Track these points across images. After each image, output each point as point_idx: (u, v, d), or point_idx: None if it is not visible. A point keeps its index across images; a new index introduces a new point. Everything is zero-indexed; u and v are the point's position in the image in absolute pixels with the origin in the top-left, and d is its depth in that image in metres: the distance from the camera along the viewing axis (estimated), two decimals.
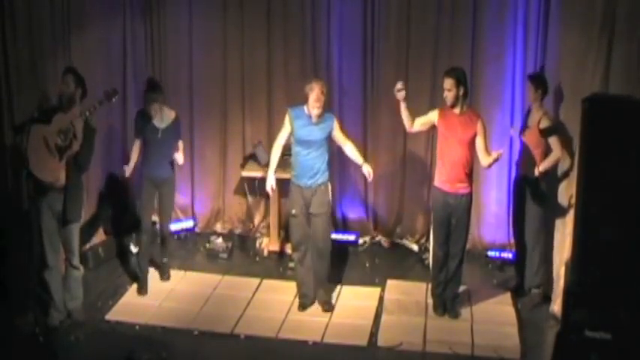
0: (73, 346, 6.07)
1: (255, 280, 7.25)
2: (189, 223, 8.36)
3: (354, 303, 6.86)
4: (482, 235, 7.87)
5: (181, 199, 8.36)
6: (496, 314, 6.63)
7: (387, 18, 7.73)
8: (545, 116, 6.48)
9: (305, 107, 6.38)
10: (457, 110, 6.25)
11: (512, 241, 7.46)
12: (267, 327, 6.41)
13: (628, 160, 4.92)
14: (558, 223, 6.41)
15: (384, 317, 6.58)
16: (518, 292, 6.89)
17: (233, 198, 8.43)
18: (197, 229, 8.41)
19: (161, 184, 6.83)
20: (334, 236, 7.62)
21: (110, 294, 6.93)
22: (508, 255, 7.52)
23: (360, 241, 8.07)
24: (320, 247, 6.54)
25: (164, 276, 7.21)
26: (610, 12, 5.74)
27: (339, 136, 6.57)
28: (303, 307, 6.68)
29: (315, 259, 6.58)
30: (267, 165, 7.81)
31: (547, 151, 6.47)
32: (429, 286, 6.74)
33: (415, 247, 7.96)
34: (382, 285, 7.14)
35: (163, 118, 6.75)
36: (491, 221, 7.84)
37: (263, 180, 7.85)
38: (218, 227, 8.42)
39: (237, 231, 8.38)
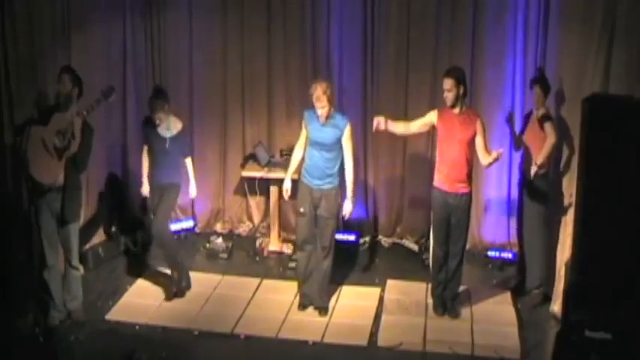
0: (73, 346, 6.07)
1: (255, 280, 7.25)
2: (189, 223, 8.36)
3: (354, 303, 6.86)
4: (482, 235, 7.88)
5: (181, 198, 8.34)
6: (496, 314, 6.63)
7: (387, 19, 7.73)
8: (544, 107, 6.48)
9: None
10: (456, 110, 6.25)
11: (512, 241, 7.47)
12: (267, 327, 6.41)
13: (628, 160, 4.92)
14: (563, 222, 6.41)
15: (384, 317, 6.58)
16: (518, 292, 6.89)
17: (233, 198, 8.43)
18: (197, 229, 8.41)
19: (164, 188, 6.76)
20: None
21: (110, 294, 6.93)
22: (508, 255, 7.52)
23: (360, 241, 8.08)
24: (324, 247, 6.54)
25: (180, 290, 6.95)
26: (610, 12, 5.74)
27: (345, 145, 6.39)
28: (303, 306, 6.68)
29: (319, 259, 6.57)
30: (267, 165, 7.85)
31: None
32: (429, 286, 6.74)
33: (415, 247, 7.96)
34: (382, 285, 7.14)
35: (169, 126, 6.67)
36: (491, 221, 7.85)
37: (263, 180, 7.90)
38: (218, 227, 8.42)
39: (237, 231, 8.38)
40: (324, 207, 6.44)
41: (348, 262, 7.62)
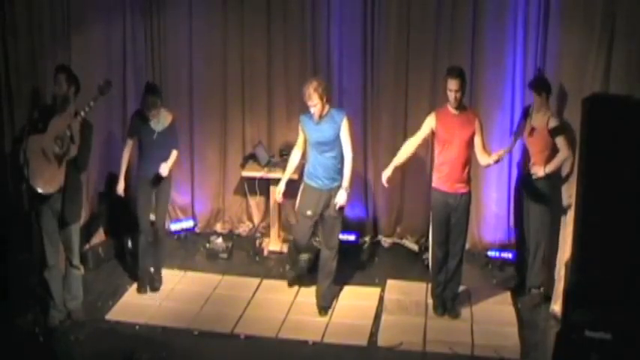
0: (73, 346, 6.07)
1: (255, 280, 7.25)
2: (189, 223, 8.35)
3: (354, 303, 6.86)
4: (482, 235, 7.87)
5: (181, 199, 8.36)
6: (496, 314, 6.63)
7: (387, 19, 7.72)
8: (553, 117, 6.45)
9: None
10: (455, 110, 6.25)
11: (512, 241, 7.46)
12: (267, 327, 6.41)
13: (628, 160, 4.92)
14: (563, 222, 6.41)
15: (384, 317, 6.58)
16: (518, 292, 6.89)
17: (233, 198, 8.43)
18: (197, 229, 8.40)
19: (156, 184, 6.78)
20: None
21: (110, 294, 6.93)
22: (508, 255, 7.51)
23: (360, 241, 8.08)
24: (330, 247, 6.54)
25: (154, 284, 7.02)
26: (610, 12, 5.74)
27: (343, 138, 6.38)
28: (291, 283, 6.86)
29: (326, 260, 6.57)
30: (267, 165, 7.85)
31: (554, 152, 6.44)
32: (429, 286, 6.74)
33: (415, 247, 7.96)
34: (382, 285, 7.14)
35: (160, 120, 6.68)
36: (491, 221, 7.84)
37: (263, 180, 7.89)
38: (218, 227, 8.42)
39: (237, 231, 8.38)
40: (334, 206, 6.43)
41: (348, 262, 7.62)
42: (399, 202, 8.13)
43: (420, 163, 7.82)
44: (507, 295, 6.92)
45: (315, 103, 6.24)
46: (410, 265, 7.64)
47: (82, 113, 5.89)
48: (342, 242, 7.78)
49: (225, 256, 7.77)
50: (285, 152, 7.79)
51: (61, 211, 6.05)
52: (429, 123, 6.32)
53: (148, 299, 6.89)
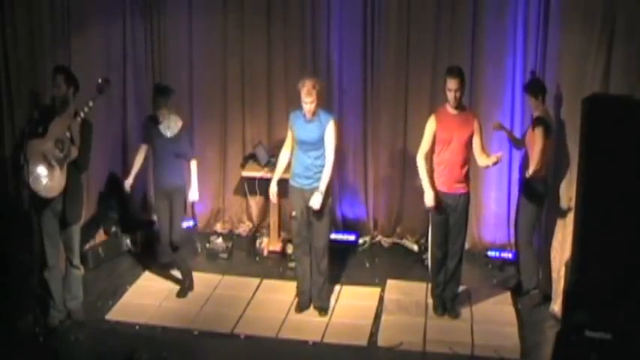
0: (73, 346, 6.07)
1: (255, 280, 7.25)
2: (189, 223, 8.36)
3: (354, 303, 6.86)
4: (482, 235, 7.88)
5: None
6: (496, 314, 6.63)
7: (387, 19, 7.73)
8: (541, 108, 6.46)
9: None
10: (454, 110, 6.25)
11: (512, 241, 7.46)
12: (267, 327, 6.41)
13: (628, 160, 4.93)
14: (560, 223, 6.41)
15: (384, 317, 6.58)
16: (518, 292, 6.89)
17: (233, 198, 8.43)
18: (197, 229, 8.41)
19: (171, 193, 6.70)
20: (334, 236, 7.64)
21: (110, 294, 6.93)
22: (508, 255, 7.52)
23: (360, 241, 8.08)
24: (318, 248, 6.53)
25: (183, 290, 6.99)
26: (610, 12, 5.74)
27: (327, 140, 6.33)
28: (300, 308, 6.66)
29: (317, 260, 6.57)
30: (267, 165, 7.85)
31: (551, 152, 6.44)
32: (429, 286, 6.74)
33: (415, 247, 7.96)
34: (382, 285, 7.14)
35: (170, 125, 6.62)
36: (491, 221, 7.84)
37: (263, 180, 7.89)
38: (218, 227, 8.42)
39: (237, 231, 8.38)
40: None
41: (348, 262, 7.63)
42: (399, 202, 8.13)
43: None
44: (507, 295, 6.92)
45: (312, 100, 6.25)
46: (410, 265, 7.65)
47: (82, 114, 5.88)
48: (341, 242, 7.84)
49: (225, 256, 7.77)
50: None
51: (62, 211, 6.05)
52: (431, 127, 6.29)
53: (148, 299, 6.88)
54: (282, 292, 6.99)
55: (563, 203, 6.40)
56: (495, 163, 6.15)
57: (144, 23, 8.10)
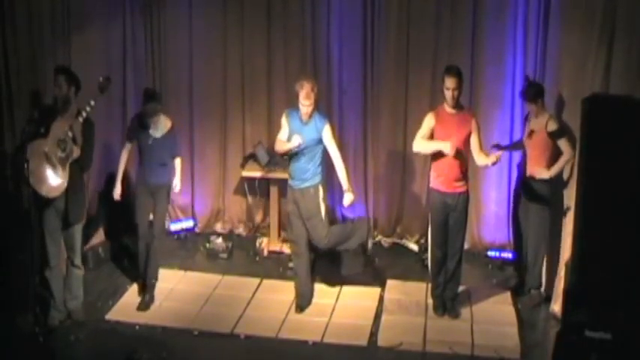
0: (73, 346, 6.07)
1: (255, 280, 7.25)
2: (189, 223, 8.36)
3: (354, 303, 6.86)
4: (482, 235, 7.87)
5: (181, 199, 8.35)
6: (496, 314, 6.63)
7: (387, 18, 7.73)
8: (552, 119, 6.44)
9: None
10: (452, 109, 6.24)
11: (512, 240, 7.46)
12: (267, 327, 6.41)
13: (628, 160, 4.92)
14: (564, 222, 6.40)
15: (384, 317, 6.58)
16: (518, 292, 6.89)
17: (233, 198, 8.43)
18: (197, 229, 8.40)
19: (155, 190, 6.68)
20: None
21: (110, 294, 6.93)
22: (508, 255, 7.52)
23: None
24: (320, 249, 6.53)
25: (145, 297, 6.74)
26: (610, 12, 5.74)
27: (328, 144, 6.40)
28: (300, 309, 6.67)
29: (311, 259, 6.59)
30: (267, 165, 7.85)
31: (556, 153, 6.43)
32: (429, 286, 6.73)
33: (415, 247, 7.96)
34: (382, 285, 7.14)
35: (159, 127, 6.60)
36: (491, 221, 7.84)
37: (263, 180, 7.90)
38: (218, 227, 8.42)
39: (237, 231, 8.38)
40: (304, 207, 6.47)
41: (348, 262, 7.61)
42: (399, 202, 8.13)
43: (420, 163, 7.82)
44: (507, 295, 6.92)
45: (311, 103, 6.26)
46: (410, 265, 7.64)
47: (84, 113, 5.88)
48: None
49: (225, 256, 7.77)
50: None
51: (65, 211, 6.05)
52: (429, 123, 6.30)
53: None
54: (282, 292, 6.98)
55: (564, 204, 6.39)
56: (495, 163, 6.14)
57: (144, 22, 8.10)
